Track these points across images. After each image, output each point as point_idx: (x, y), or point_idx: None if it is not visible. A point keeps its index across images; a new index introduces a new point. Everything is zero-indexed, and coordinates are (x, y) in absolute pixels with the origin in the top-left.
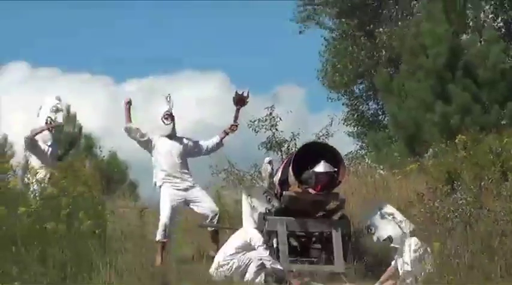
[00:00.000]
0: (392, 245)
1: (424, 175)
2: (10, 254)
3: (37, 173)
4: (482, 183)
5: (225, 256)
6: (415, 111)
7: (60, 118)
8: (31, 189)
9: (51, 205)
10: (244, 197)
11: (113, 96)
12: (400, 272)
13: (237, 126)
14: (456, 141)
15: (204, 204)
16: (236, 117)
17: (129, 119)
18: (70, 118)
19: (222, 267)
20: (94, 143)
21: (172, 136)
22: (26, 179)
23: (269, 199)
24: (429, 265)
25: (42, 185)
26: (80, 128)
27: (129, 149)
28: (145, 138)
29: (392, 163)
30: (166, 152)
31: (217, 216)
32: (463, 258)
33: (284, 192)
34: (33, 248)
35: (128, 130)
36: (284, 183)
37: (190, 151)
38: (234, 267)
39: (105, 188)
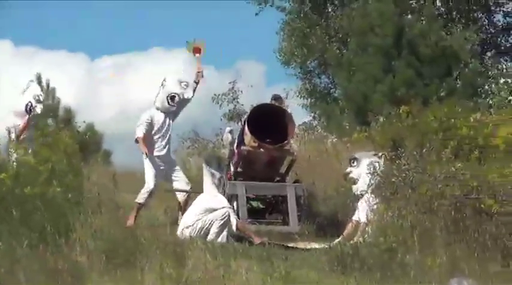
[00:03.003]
0: (353, 186)
1: (371, 142)
2: None
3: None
4: (424, 150)
5: (190, 218)
6: (364, 84)
7: (38, 110)
8: (13, 158)
9: (30, 171)
10: (204, 165)
11: (88, 72)
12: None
13: (200, 71)
14: (400, 111)
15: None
16: (198, 66)
17: None
18: (50, 92)
19: (187, 228)
20: (72, 115)
21: (168, 115)
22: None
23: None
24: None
25: (23, 153)
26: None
27: (104, 122)
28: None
29: (342, 132)
30: (160, 128)
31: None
32: (406, 218)
33: (242, 147)
34: (15, 211)
35: None
36: (241, 144)
37: (176, 114)
38: (198, 227)
39: (81, 156)
